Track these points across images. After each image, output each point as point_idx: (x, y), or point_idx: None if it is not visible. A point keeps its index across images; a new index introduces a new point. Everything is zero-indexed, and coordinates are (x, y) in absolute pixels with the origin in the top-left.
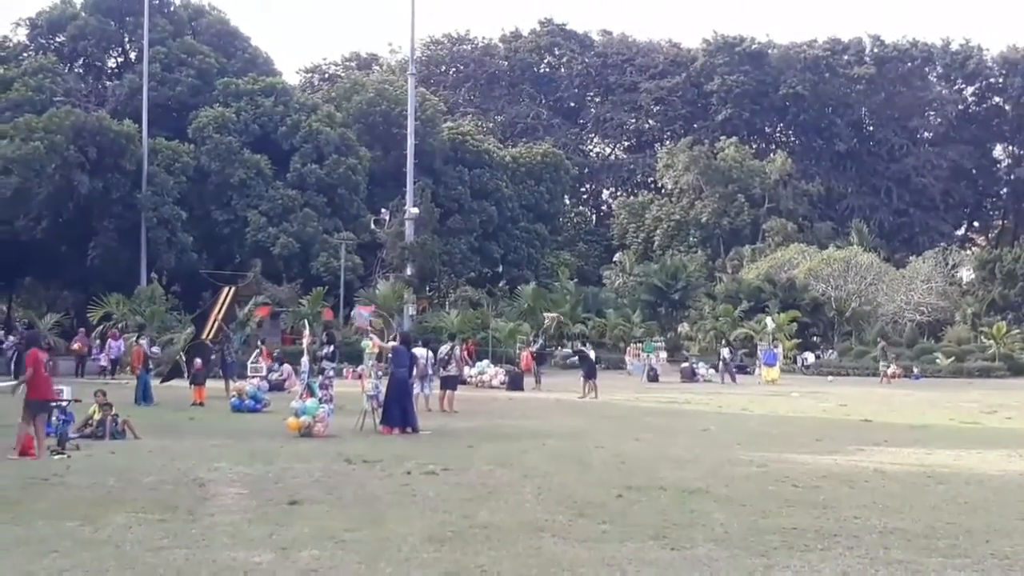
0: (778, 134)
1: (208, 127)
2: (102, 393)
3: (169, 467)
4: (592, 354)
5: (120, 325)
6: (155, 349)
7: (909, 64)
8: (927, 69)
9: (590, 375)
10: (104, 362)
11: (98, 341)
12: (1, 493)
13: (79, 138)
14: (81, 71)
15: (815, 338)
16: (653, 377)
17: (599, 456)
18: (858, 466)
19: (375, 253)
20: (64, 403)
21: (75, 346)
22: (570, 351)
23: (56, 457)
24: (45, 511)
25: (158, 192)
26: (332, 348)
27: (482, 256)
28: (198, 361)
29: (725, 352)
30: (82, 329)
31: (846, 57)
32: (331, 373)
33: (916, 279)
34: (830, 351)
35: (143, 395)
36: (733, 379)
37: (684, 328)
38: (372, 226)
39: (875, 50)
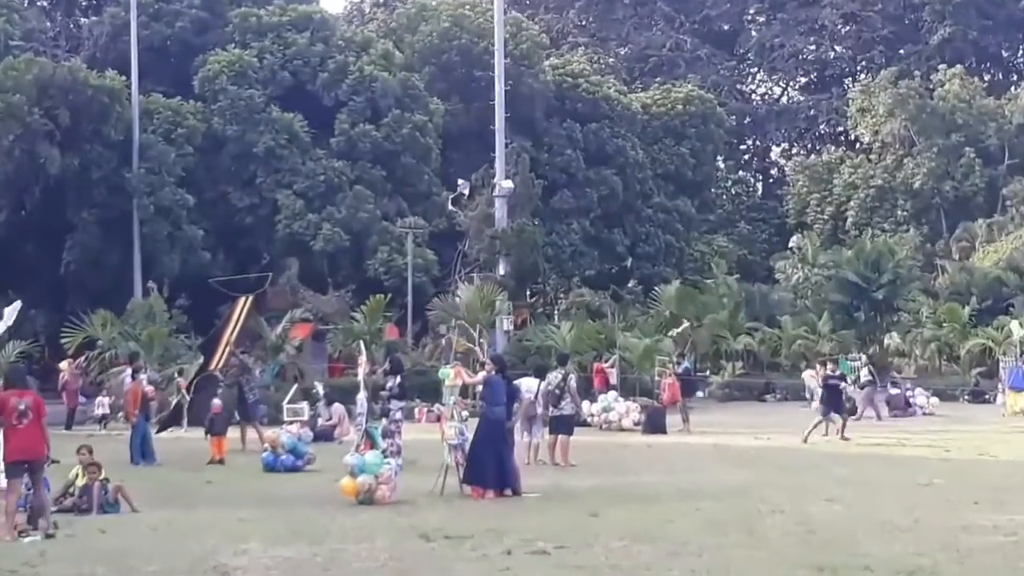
0: (1020, 60)
1: (221, 77)
2: (87, 450)
3: (180, 550)
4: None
5: (105, 354)
6: (149, 386)
7: None
8: None
9: (834, 408)
10: (102, 409)
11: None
12: None
13: (45, 97)
14: (46, 5)
15: None
16: (850, 410)
17: (776, 524)
18: None
19: (454, 245)
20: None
21: (65, 379)
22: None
23: (27, 539)
24: None
25: (154, 169)
26: (398, 380)
27: (602, 246)
28: (216, 403)
29: (864, 370)
30: (72, 360)
31: None
32: (398, 416)
33: None
34: None
35: (141, 451)
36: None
37: (893, 339)
38: (448, 207)
39: None
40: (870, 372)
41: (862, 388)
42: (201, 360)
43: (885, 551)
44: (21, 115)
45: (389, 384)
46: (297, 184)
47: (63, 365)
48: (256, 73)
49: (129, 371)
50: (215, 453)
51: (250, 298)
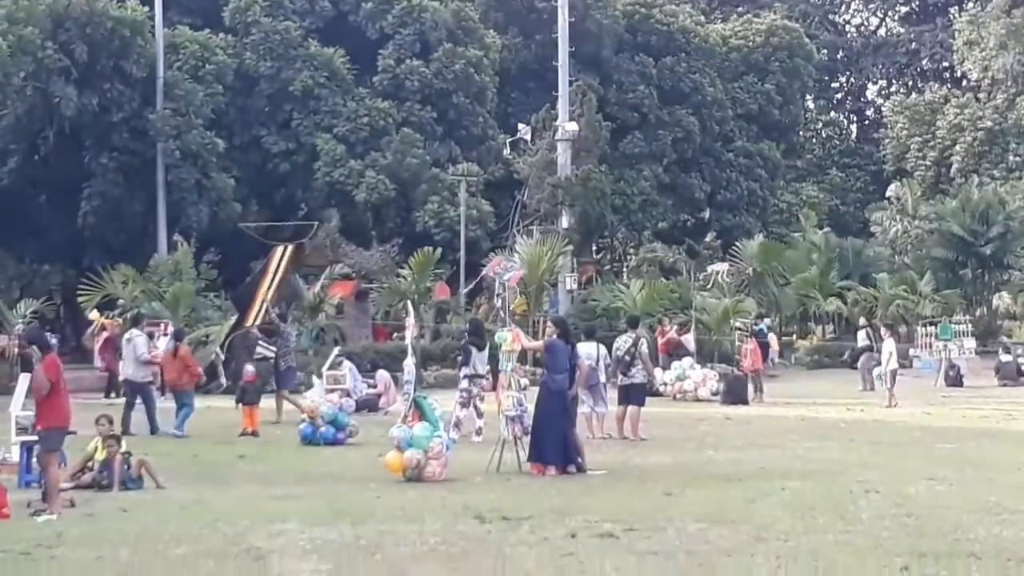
0: None
1: (253, 8)
2: (107, 420)
3: (210, 531)
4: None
5: (118, 315)
6: (146, 348)
7: None
8: None
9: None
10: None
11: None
12: None
13: (60, 30)
14: None
15: None
16: (954, 378)
17: (870, 505)
18: None
19: (512, 195)
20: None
21: (104, 337)
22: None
23: (41, 518)
24: None
25: (181, 111)
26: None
27: (677, 195)
28: (249, 369)
29: (861, 334)
30: (107, 316)
31: None
32: (464, 384)
33: None
34: None
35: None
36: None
37: (1002, 300)
38: (506, 152)
39: None
40: (867, 336)
41: (858, 355)
42: (235, 316)
43: (993, 536)
44: (34, 50)
45: (466, 358)
46: (338, 127)
47: (103, 320)
48: (293, 3)
49: (166, 336)
50: (247, 424)
51: (289, 247)
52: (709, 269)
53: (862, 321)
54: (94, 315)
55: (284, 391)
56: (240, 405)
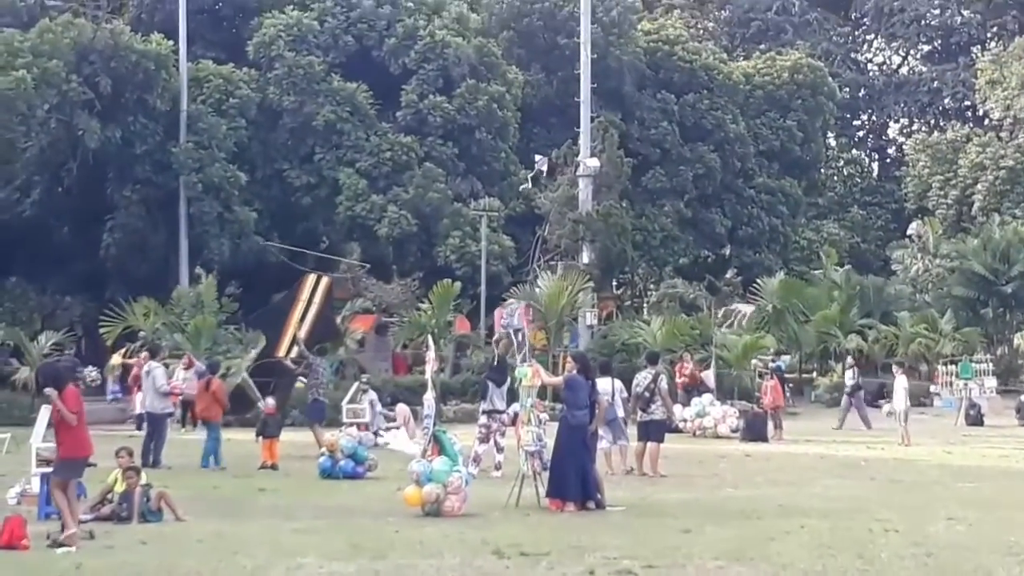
0: None
1: (277, 42)
2: (127, 452)
3: (229, 565)
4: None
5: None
6: (165, 380)
7: None
8: None
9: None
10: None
11: (96, 374)
12: None
13: (84, 63)
14: None
15: None
16: (975, 418)
17: (889, 544)
18: None
19: (533, 230)
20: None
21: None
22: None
23: (60, 550)
24: None
25: (203, 144)
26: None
27: (698, 231)
28: (269, 401)
29: (848, 373)
30: (127, 351)
31: None
32: (483, 419)
33: None
34: None
35: (211, 454)
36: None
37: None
38: (524, 186)
39: None
40: (855, 375)
41: (849, 395)
42: (261, 345)
43: None
44: (58, 83)
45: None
46: (360, 162)
47: (123, 361)
48: (316, 38)
49: (186, 367)
50: (266, 458)
51: (324, 279)
52: (732, 308)
53: (849, 361)
54: (115, 359)
55: (315, 424)
56: (260, 438)
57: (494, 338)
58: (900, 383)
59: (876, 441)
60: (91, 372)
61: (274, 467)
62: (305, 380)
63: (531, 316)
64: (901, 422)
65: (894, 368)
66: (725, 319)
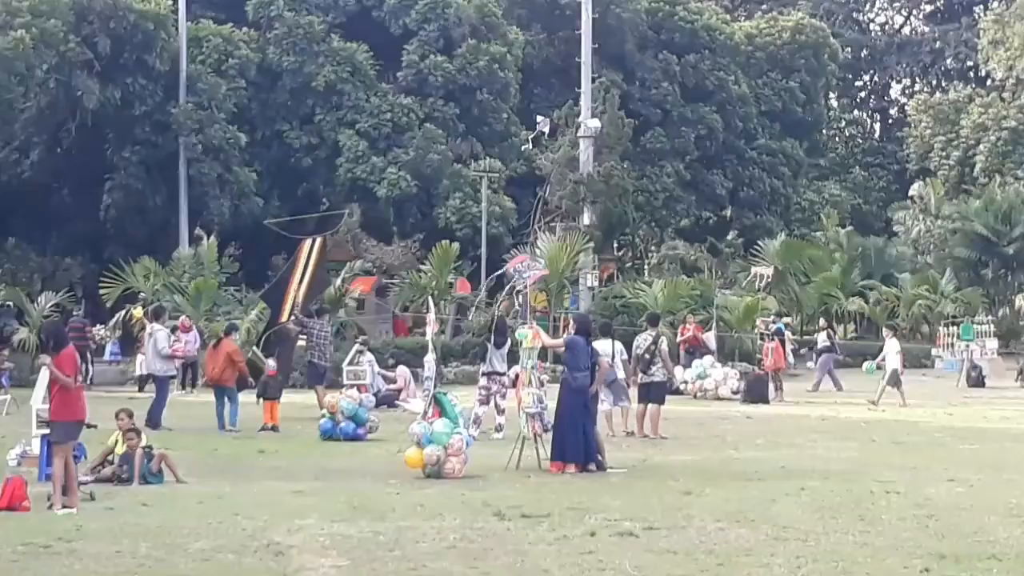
0: None
1: (277, 2)
2: (126, 414)
3: (229, 526)
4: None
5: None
6: (167, 343)
7: None
8: None
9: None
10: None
11: (106, 333)
12: None
13: (83, 23)
14: None
15: None
16: (976, 379)
17: (891, 506)
18: None
19: (533, 191)
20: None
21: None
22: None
23: (61, 512)
24: None
25: (203, 104)
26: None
27: (699, 193)
28: (270, 363)
29: (822, 335)
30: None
31: None
32: (482, 380)
33: None
34: None
35: (229, 417)
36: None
37: None
38: (526, 147)
39: None
40: (828, 337)
41: (818, 355)
42: (263, 310)
43: (1014, 538)
44: (56, 43)
45: (491, 353)
46: (360, 123)
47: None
48: None
49: (185, 331)
50: (267, 419)
51: (318, 240)
52: (753, 271)
53: (822, 322)
54: (138, 312)
55: (318, 386)
56: (260, 400)
57: (502, 301)
58: (892, 346)
59: (859, 403)
60: (99, 331)
61: (275, 428)
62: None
63: (541, 282)
64: (892, 384)
65: (885, 331)
66: (752, 285)
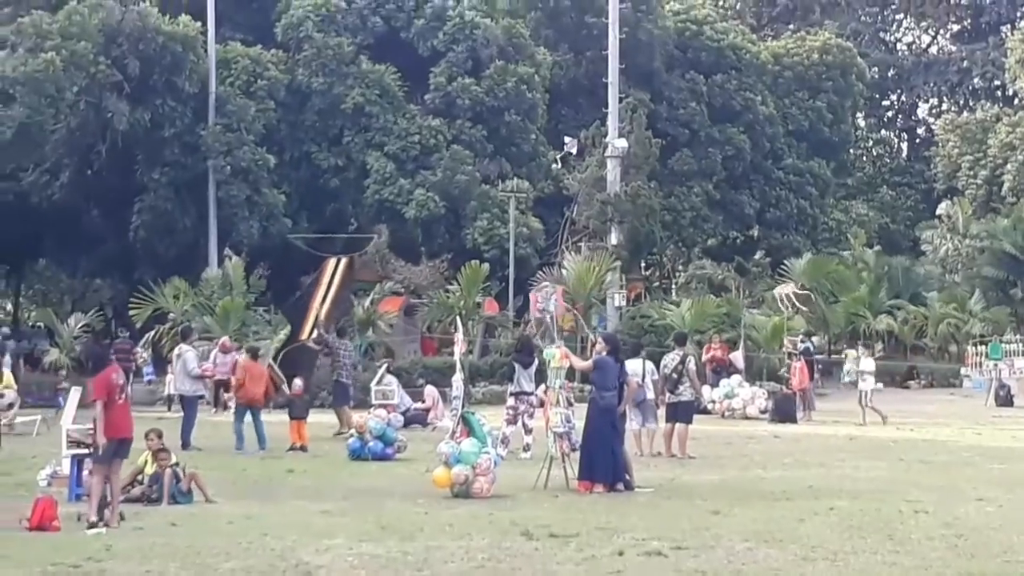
0: None
1: (306, 23)
2: (156, 435)
3: (258, 546)
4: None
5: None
6: (196, 363)
7: None
8: None
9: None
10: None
11: (147, 354)
12: None
13: (113, 45)
14: None
15: None
16: (1004, 398)
17: (919, 526)
18: None
19: (561, 211)
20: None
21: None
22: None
23: (91, 531)
24: None
25: (232, 126)
26: (519, 366)
27: (727, 213)
28: (297, 383)
29: (798, 342)
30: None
31: None
32: (510, 401)
33: None
34: None
35: (257, 438)
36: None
37: None
38: (554, 166)
39: None
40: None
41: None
42: (288, 329)
43: None
44: (86, 65)
45: (520, 371)
46: (388, 145)
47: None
48: (345, 19)
49: (224, 351)
50: (295, 439)
51: (342, 260)
52: (777, 292)
53: (800, 338)
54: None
55: (342, 407)
56: (291, 419)
57: (528, 322)
58: (866, 365)
59: (906, 422)
60: (142, 353)
61: (303, 448)
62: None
63: (568, 299)
64: (867, 403)
65: (860, 350)
66: (777, 305)
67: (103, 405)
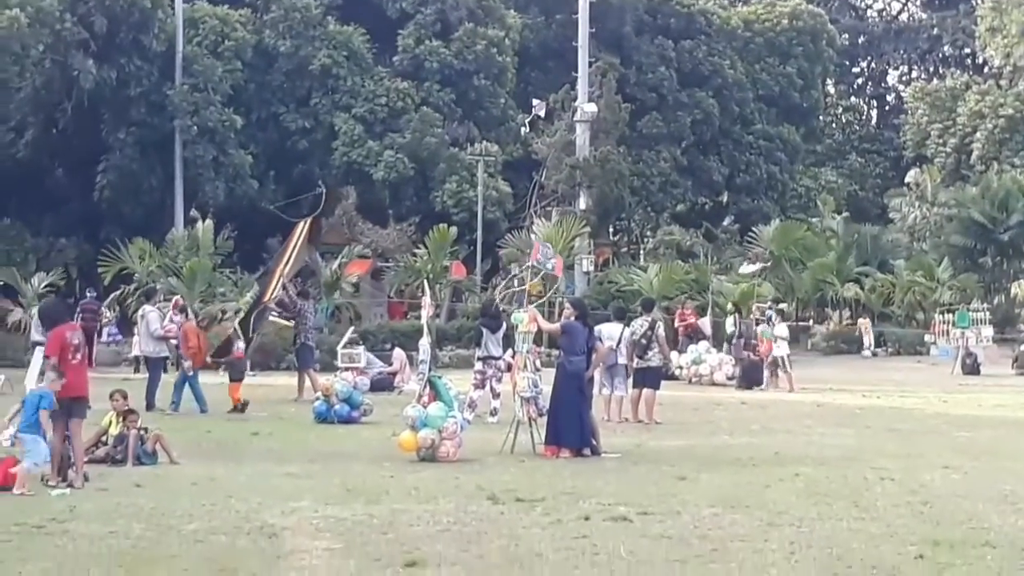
0: None
1: None
2: (121, 395)
3: (223, 508)
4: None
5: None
6: (159, 324)
7: None
8: None
9: None
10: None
11: (113, 314)
12: None
13: (79, 2)
14: None
15: None
16: (971, 367)
17: (885, 492)
18: None
19: (530, 175)
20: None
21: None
22: None
23: (55, 492)
24: None
25: (199, 86)
26: (486, 331)
27: (695, 178)
28: (239, 345)
29: (730, 321)
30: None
31: None
32: (478, 365)
33: None
34: None
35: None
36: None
37: (1021, 288)
38: (523, 129)
39: None
40: (735, 323)
41: (728, 341)
42: (255, 292)
43: (1008, 525)
44: (52, 22)
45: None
46: (356, 107)
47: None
48: None
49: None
50: (234, 399)
51: (307, 221)
52: (742, 270)
53: (730, 307)
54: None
55: (307, 369)
56: (230, 381)
57: (491, 282)
58: (780, 331)
59: (872, 390)
60: (107, 313)
61: (241, 408)
62: (284, 320)
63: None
64: (786, 368)
65: (773, 316)
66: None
67: (56, 362)
